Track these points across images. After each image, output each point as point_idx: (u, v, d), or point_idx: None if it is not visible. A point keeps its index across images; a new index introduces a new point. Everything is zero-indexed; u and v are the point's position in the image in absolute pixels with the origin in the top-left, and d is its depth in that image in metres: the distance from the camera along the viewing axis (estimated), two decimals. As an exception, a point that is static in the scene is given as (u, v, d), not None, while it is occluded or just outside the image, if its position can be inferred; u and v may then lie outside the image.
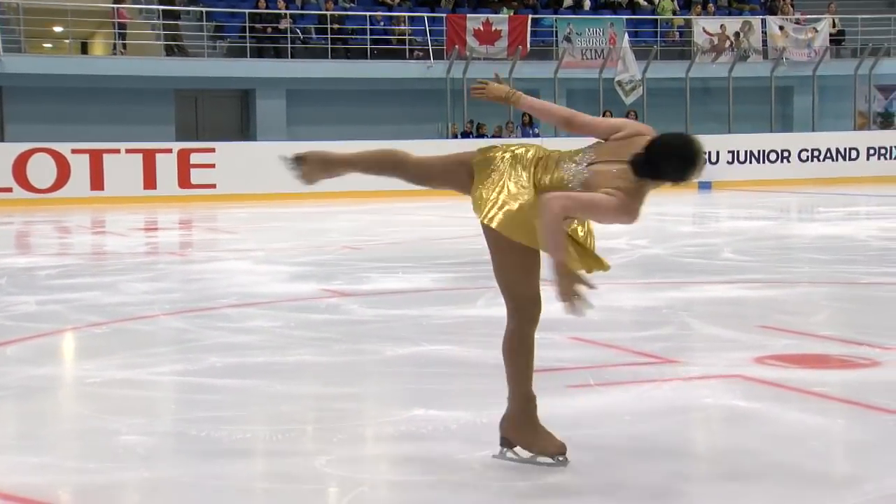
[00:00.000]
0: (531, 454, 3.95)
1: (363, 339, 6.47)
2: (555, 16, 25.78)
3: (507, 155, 3.89)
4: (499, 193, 3.81)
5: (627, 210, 3.64)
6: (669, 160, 3.62)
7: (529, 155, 3.88)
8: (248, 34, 23.58)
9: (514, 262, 3.86)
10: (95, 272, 10.24)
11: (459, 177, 3.97)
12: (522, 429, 3.95)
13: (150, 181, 20.37)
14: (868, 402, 4.73)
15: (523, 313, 3.93)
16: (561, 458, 3.91)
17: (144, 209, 18.89)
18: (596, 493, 3.73)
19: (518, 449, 3.98)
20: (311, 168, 4.16)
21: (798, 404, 4.74)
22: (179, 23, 24.03)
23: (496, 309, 7.52)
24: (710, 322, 6.93)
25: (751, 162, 23.40)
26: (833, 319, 7.16)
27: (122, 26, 23.49)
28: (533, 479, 3.81)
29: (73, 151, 20.15)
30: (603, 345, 6.03)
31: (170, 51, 23.52)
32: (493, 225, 3.79)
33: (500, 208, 3.79)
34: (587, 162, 3.76)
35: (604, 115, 24.41)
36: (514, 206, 3.77)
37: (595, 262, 3.95)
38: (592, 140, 3.96)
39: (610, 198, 3.62)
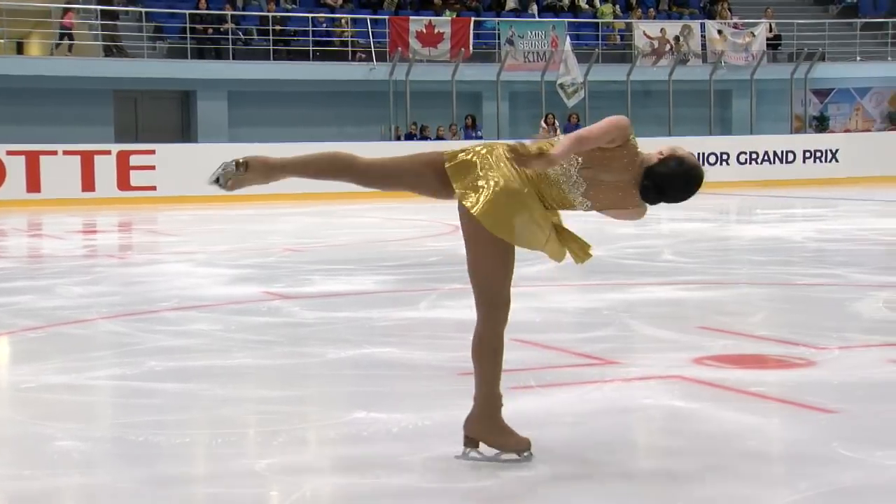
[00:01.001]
0: (496, 452, 3.98)
1: (305, 341, 6.44)
2: (497, 18, 25.87)
3: (484, 151, 3.89)
4: (487, 184, 3.80)
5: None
6: (679, 190, 3.89)
7: (503, 152, 3.89)
8: (188, 35, 23.37)
9: (492, 256, 3.85)
10: (31, 275, 10.08)
11: (426, 178, 3.94)
12: (489, 427, 3.97)
13: (88, 183, 20.09)
14: (804, 402, 4.80)
15: (495, 313, 3.93)
16: (526, 454, 3.96)
17: (82, 211, 18.63)
18: (536, 494, 3.75)
19: (482, 447, 4.00)
20: (254, 174, 4.02)
21: (736, 404, 4.80)
22: (118, 23, 23.74)
23: (439, 311, 7.57)
24: (650, 323, 6.99)
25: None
26: (770, 320, 7.26)
27: (65, 27, 23.16)
28: (472, 482, 3.82)
29: (9, 153, 19.80)
30: (544, 346, 6.06)
31: (108, 51, 23.22)
32: (477, 214, 3.76)
33: (488, 199, 3.77)
34: (577, 167, 3.86)
35: (546, 118, 24.69)
36: (502, 198, 3.77)
37: (579, 249, 4.01)
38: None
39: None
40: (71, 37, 23.23)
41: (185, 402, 5.03)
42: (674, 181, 3.85)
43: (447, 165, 3.89)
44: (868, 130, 27.88)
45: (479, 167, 3.85)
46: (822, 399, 4.82)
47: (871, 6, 29.99)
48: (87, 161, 20.10)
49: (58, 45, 23.32)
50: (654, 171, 3.83)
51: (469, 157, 3.89)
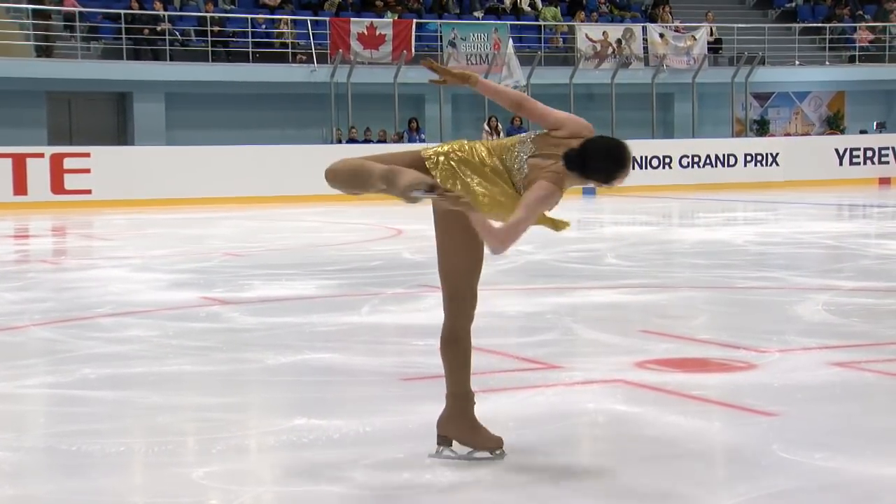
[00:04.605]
0: (469, 450, 4.04)
1: (244, 347, 6.35)
2: (439, 21, 25.86)
3: (462, 155, 3.96)
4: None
5: (549, 199, 3.83)
6: (600, 160, 3.87)
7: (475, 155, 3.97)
8: (123, 35, 23.04)
9: (460, 251, 3.98)
10: (-37, 281, 9.85)
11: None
12: (461, 426, 4.04)
13: (20, 187, 19.71)
14: (744, 405, 4.82)
15: (462, 309, 4.03)
16: (498, 452, 4.03)
17: (14, 216, 18.27)
18: (478, 500, 3.71)
19: (455, 446, 4.06)
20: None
21: (677, 407, 4.80)
22: (51, 23, 23.35)
23: (381, 316, 7.51)
24: (592, 327, 6.99)
25: (633, 168, 23.76)
26: (712, 323, 7.30)
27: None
28: (414, 488, 3.78)
29: (-61, 156, 19.40)
30: (487, 351, 6.02)
31: (40, 51, 22.82)
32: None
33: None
34: (527, 154, 3.94)
35: (489, 121, 24.72)
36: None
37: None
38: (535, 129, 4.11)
39: (538, 191, 3.81)
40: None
41: (121, 411, 4.93)
42: (596, 151, 3.90)
43: (427, 163, 3.93)
44: (807, 134, 28.28)
45: (458, 170, 3.92)
46: (762, 402, 4.85)
47: (810, 11, 30.44)
48: (20, 164, 19.72)
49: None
50: (583, 145, 3.89)
51: (444, 159, 3.94)
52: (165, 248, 12.78)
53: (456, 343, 4.03)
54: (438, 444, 4.08)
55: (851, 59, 28.90)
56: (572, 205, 19.01)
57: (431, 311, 7.55)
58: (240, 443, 4.41)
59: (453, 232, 3.96)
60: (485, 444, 4.03)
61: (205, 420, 4.78)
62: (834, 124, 28.65)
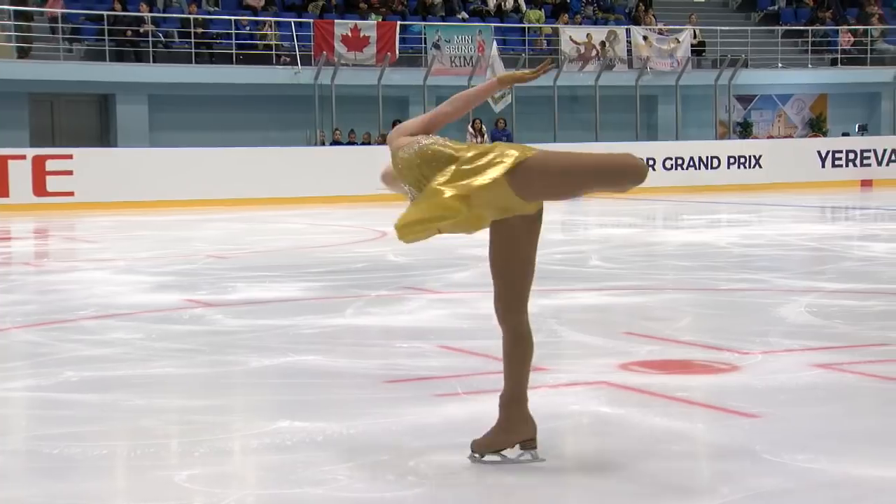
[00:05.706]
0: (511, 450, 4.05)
1: (228, 349, 6.33)
2: (423, 23, 25.85)
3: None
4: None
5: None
6: None
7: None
8: (106, 37, 22.95)
9: (510, 254, 4.12)
10: (-55, 283, 9.80)
11: None
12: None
13: (2, 189, 19.62)
14: (727, 407, 4.83)
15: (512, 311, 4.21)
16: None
17: (-4, 218, 18.20)
18: (463, 500, 3.71)
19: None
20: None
21: (661, 409, 4.81)
22: (33, 24, 23.24)
23: (365, 318, 7.50)
24: (577, 329, 7.00)
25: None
26: (696, 325, 7.31)
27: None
28: (398, 490, 3.77)
29: (-80, 158, 19.29)
30: (471, 353, 6.03)
31: (22, 53, 22.71)
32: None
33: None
34: None
35: (473, 124, 24.67)
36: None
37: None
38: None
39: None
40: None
41: (103, 413, 4.90)
42: None
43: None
44: (790, 136, 28.38)
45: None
46: (745, 403, 4.85)
47: (792, 14, 30.56)
48: (1, 166, 19.63)
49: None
50: None
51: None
52: (149, 250, 12.74)
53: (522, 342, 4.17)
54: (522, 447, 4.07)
55: (834, 62, 29.02)
56: (557, 207, 19.04)
57: (416, 313, 7.55)
58: (223, 445, 4.39)
59: (503, 233, 4.03)
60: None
61: (188, 423, 4.76)
62: (816, 127, 28.77)
